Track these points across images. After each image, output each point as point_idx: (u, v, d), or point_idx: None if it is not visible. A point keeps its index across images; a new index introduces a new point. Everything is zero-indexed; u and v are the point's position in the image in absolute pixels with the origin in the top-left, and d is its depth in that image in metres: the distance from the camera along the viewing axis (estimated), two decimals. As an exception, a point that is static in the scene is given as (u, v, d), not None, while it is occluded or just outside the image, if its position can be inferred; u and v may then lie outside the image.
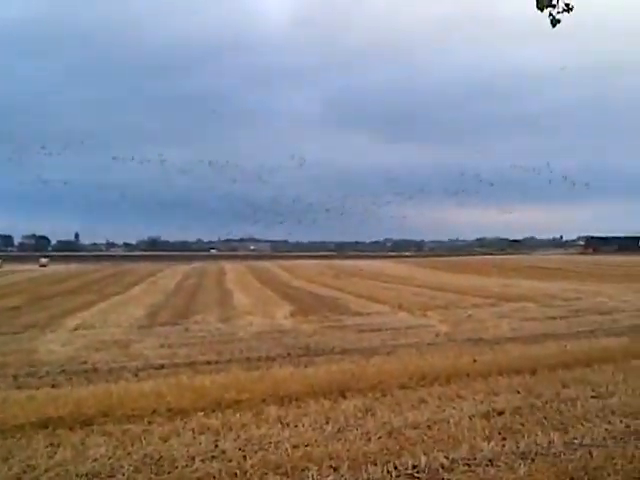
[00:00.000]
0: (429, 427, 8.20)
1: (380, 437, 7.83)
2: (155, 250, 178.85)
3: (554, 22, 7.66)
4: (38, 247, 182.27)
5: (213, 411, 8.98)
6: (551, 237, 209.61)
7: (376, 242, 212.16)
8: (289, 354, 16.32)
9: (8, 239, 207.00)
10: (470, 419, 8.45)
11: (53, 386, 12.16)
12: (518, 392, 9.98)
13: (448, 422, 8.33)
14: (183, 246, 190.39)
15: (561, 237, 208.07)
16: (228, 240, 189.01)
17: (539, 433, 7.82)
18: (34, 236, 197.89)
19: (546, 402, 9.33)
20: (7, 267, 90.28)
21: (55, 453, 7.46)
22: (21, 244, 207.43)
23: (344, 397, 9.74)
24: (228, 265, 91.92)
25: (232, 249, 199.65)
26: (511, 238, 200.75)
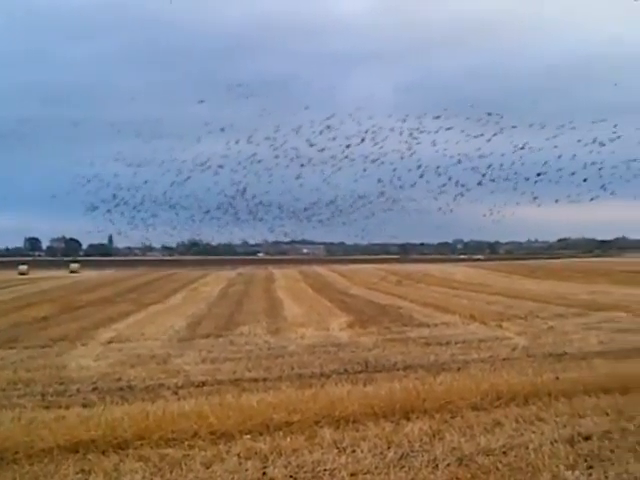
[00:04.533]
0: (505, 453, 8.11)
1: (449, 464, 7.77)
2: (196, 254, 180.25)
3: None
4: (68, 251, 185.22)
5: (261, 434, 9.01)
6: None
7: (444, 244, 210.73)
8: (346, 370, 16.32)
9: (35, 242, 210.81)
10: (552, 445, 8.33)
11: (84, 405, 12.33)
12: (607, 414, 9.80)
13: (527, 448, 8.22)
14: (227, 249, 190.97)
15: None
16: (277, 242, 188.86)
17: (631, 461, 7.69)
18: (64, 239, 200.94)
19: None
20: (34, 273, 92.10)
21: (86, 480, 7.59)
22: (50, 248, 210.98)
23: (408, 419, 9.69)
24: (278, 270, 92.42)
25: (282, 252, 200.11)
26: (599, 238, 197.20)
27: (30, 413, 11.27)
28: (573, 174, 42.66)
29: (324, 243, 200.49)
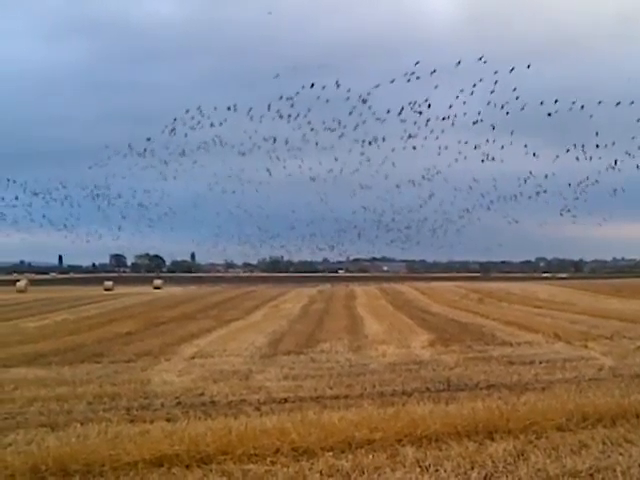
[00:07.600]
0: (591, 475, 7.95)
1: (534, 486, 7.65)
2: (277, 271, 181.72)
3: None
4: (152, 267, 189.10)
5: (343, 451, 8.99)
6: None
7: (527, 262, 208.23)
8: (428, 389, 16.14)
9: (121, 259, 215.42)
10: (641, 468, 8.15)
11: (168, 420, 12.38)
12: (699, 437, 9.53)
13: (614, 470, 8.04)
14: (308, 267, 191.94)
15: None
16: (357, 260, 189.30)
17: None
18: (147, 255, 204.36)
19: None
20: (119, 289, 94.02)
21: (171, 493, 7.67)
22: (134, 264, 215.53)
23: (491, 439, 9.57)
24: (358, 287, 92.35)
25: (362, 270, 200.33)
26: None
27: (115, 427, 11.44)
28: None
29: (404, 260, 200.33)
